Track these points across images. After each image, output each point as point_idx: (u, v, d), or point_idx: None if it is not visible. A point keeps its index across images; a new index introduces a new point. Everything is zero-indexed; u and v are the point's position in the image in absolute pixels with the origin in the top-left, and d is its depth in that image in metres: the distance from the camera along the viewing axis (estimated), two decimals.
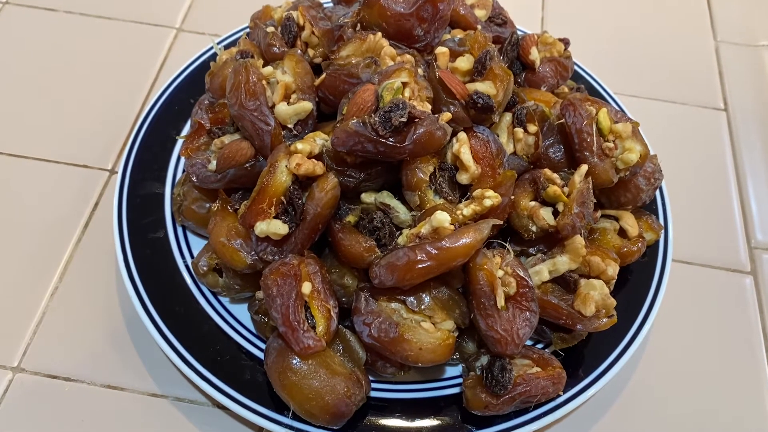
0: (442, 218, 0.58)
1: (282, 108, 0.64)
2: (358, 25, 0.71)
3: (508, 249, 0.62)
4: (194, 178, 0.69)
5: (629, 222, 0.71)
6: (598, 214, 0.72)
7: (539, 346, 0.69)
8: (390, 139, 0.58)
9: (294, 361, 0.59)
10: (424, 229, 0.59)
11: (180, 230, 0.74)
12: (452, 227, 0.58)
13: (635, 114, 0.90)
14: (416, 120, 0.59)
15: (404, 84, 0.61)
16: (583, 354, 0.68)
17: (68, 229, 0.79)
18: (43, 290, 0.75)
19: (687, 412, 0.71)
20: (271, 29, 0.71)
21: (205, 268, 0.68)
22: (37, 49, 0.97)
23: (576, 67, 0.91)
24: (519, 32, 0.92)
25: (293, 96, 0.66)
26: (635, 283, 0.73)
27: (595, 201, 0.66)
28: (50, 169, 0.85)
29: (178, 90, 0.84)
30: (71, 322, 0.73)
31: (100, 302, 0.74)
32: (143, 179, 0.77)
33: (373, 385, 0.66)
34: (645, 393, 0.72)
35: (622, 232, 0.72)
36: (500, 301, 0.59)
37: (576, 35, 1.03)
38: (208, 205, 0.71)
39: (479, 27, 0.75)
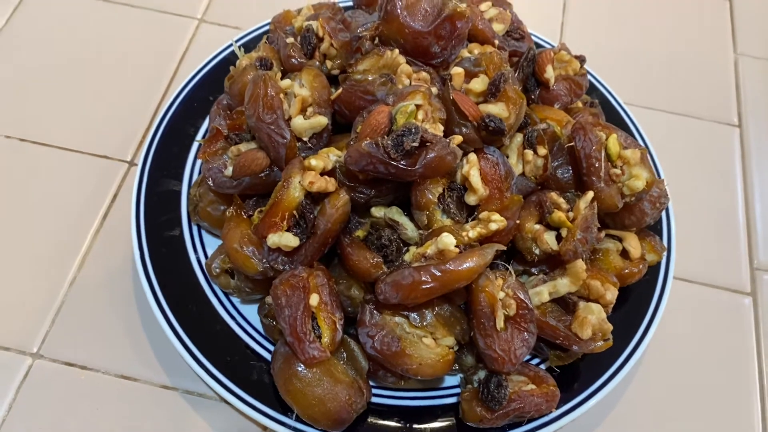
0: (447, 241, 0.60)
1: (298, 122, 0.66)
2: (377, 38, 0.72)
3: (510, 271, 0.64)
4: (210, 182, 0.71)
5: (632, 243, 0.73)
6: (602, 234, 0.73)
7: (536, 361, 0.71)
8: (401, 162, 0.60)
9: (299, 369, 0.62)
10: (430, 249, 0.61)
11: (195, 228, 0.77)
12: (457, 250, 0.60)
13: (647, 126, 0.90)
14: (428, 144, 0.60)
15: (418, 106, 0.63)
16: (578, 371, 0.70)
17: (87, 219, 0.82)
18: (62, 280, 0.78)
19: (676, 429, 0.74)
20: (290, 40, 0.72)
21: (218, 270, 0.71)
22: (60, 36, 0.99)
23: (591, 78, 0.91)
24: (538, 41, 0.93)
25: (309, 109, 0.67)
26: (635, 302, 0.75)
27: (599, 226, 0.68)
28: (71, 158, 0.87)
29: (197, 87, 0.86)
30: (88, 312, 0.76)
31: (117, 294, 0.77)
32: (161, 177, 0.79)
33: (374, 391, 0.69)
34: (637, 409, 0.75)
35: (624, 253, 0.73)
36: (500, 323, 0.61)
37: (594, 44, 1.04)
38: (222, 208, 0.73)
39: (497, 41, 0.76)
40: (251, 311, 0.73)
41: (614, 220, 0.74)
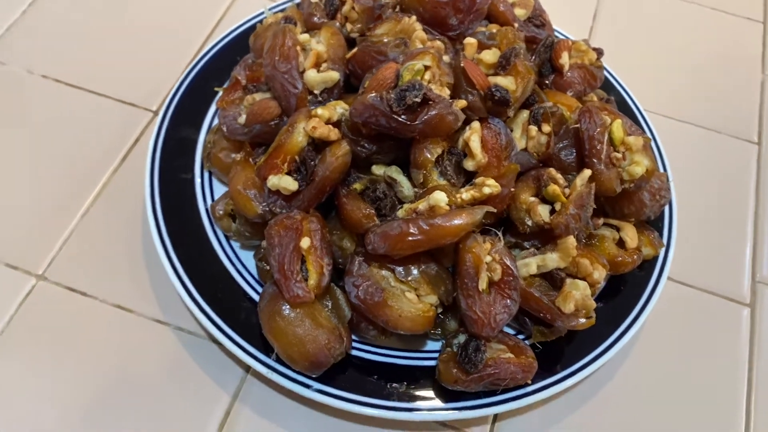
0: (439, 197, 0.61)
1: (311, 74, 0.68)
2: (398, 6, 0.74)
3: (499, 237, 0.65)
4: (224, 129, 0.74)
5: (629, 234, 0.73)
6: (600, 221, 0.74)
7: (521, 336, 0.72)
8: (402, 116, 0.62)
9: (283, 307, 0.64)
10: (422, 205, 0.63)
11: (206, 175, 0.80)
12: (448, 208, 0.62)
13: (663, 134, 0.91)
14: (430, 102, 0.62)
15: (426, 67, 0.65)
16: (561, 351, 0.71)
17: (108, 159, 0.86)
18: (76, 210, 0.81)
19: (655, 426, 0.73)
20: (315, 0, 0.75)
21: (221, 212, 0.74)
22: None
23: (611, 79, 0.92)
24: (563, 38, 0.94)
25: (324, 65, 0.70)
26: (627, 294, 0.75)
27: (595, 207, 0.69)
28: (101, 102, 0.91)
29: (227, 47, 0.89)
30: (96, 243, 0.79)
31: (124, 230, 0.80)
32: (181, 124, 0.82)
33: (357, 346, 0.70)
34: (617, 400, 0.74)
35: (621, 243, 0.74)
36: (482, 284, 0.62)
37: (621, 48, 1.06)
38: (234, 155, 0.76)
39: (516, 25, 0.77)
40: (248, 257, 0.75)
41: (613, 208, 0.74)
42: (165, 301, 0.76)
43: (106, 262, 0.78)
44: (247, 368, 0.73)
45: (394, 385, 0.68)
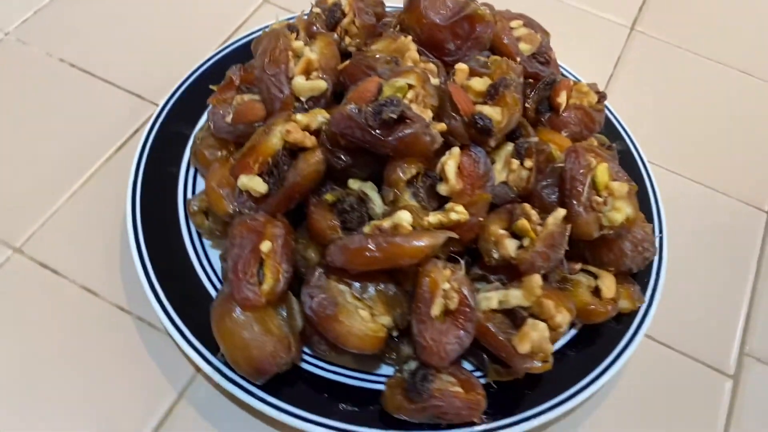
0: (403, 217, 0.60)
1: (298, 81, 0.68)
2: (398, 26, 0.74)
3: (461, 265, 0.63)
4: (211, 125, 0.75)
5: (606, 283, 0.70)
6: (578, 266, 0.72)
7: (477, 374, 0.69)
8: (377, 130, 0.61)
9: (234, 309, 0.63)
10: (386, 223, 0.62)
11: (192, 171, 0.80)
12: (410, 228, 0.60)
13: (667, 189, 0.88)
14: (407, 120, 0.61)
15: (410, 86, 0.64)
16: (520, 394, 0.67)
17: (104, 146, 0.87)
18: (64, 191, 0.82)
19: None
20: (317, 10, 0.76)
21: (195, 208, 0.74)
22: None
23: (619, 127, 0.90)
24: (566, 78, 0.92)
25: (314, 73, 0.70)
26: (599, 345, 0.72)
27: (574, 251, 0.66)
28: (111, 91, 0.93)
29: (237, 51, 0.90)
30: (77, 225, 0.80)
31: (106, 216, 0.81)
32: (178, 119, 0.83)
33: (310, 361, 0.69)
34: None
35: (597, 292, 0.71)
36: (435, 310, 0.60)
37: (639, 98, 1.04)
38: (218, 153, 0.76)
39: (519, 59, 0.76)
40: (216, 257, 0.75)
41: (593, 255, 0.71)
42: (131, 290, 0.76)
43: (82, 245, 0.78)
44: (197, 368, 0.71)
45: (340, 405, 0.66)
